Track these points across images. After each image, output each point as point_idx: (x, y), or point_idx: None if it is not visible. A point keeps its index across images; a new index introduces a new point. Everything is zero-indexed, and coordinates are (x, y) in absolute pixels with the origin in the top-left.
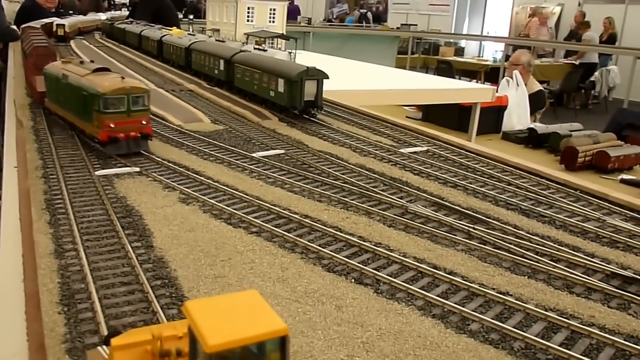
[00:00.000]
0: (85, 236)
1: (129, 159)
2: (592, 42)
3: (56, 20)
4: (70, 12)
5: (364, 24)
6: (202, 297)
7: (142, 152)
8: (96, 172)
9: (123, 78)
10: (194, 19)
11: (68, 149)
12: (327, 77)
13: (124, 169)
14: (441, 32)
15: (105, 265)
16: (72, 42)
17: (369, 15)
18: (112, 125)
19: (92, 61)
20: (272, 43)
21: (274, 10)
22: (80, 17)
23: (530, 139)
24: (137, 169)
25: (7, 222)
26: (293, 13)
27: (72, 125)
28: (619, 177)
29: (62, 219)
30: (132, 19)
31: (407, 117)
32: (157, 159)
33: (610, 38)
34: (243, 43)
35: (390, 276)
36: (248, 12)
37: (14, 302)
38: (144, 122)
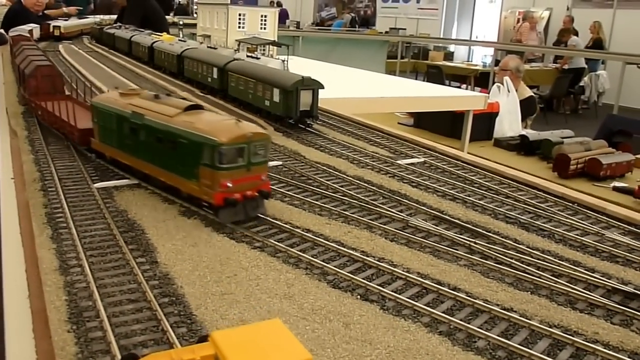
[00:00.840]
0: (89, 251)
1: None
2: (577, 47)
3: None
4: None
5: (356, 27)
6: (226, 328)
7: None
8: (95, 185)
9: (239, 121)
10: (185, 24)
11: (65, 160)
12: (323, 87)
13: (122, 181)
14: (430, 36)
15: (111, 282)
16: (60, 47)
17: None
18: (229, 185)
19: (168, 94)
20: (263, 50)
21: (265, 16)
22: (78, 21)
23: (522, 146)
24: (136, 181)
25: (7, 236)
26: (282, 17)
27: (147, 176)
28: (612, 184)
29: (64, 233)
30: (120, 24)
31: (399, 123)
32: None
33: (595, 43)
34: (235, 50)
35: (396, 292)
36: (239, 19)
37: (20, 318)
38: (263, 178)
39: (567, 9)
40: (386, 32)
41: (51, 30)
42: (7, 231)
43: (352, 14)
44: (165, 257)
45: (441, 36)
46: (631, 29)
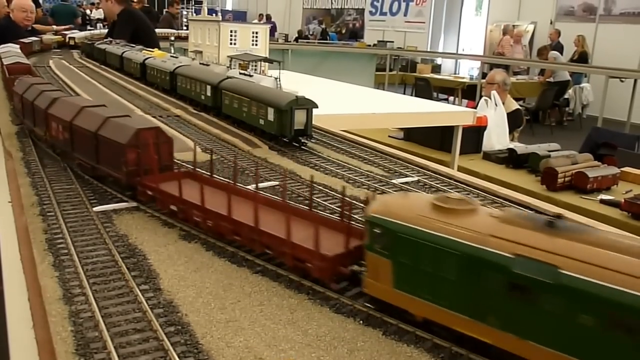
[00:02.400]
0: (91, 279)
1: (124, 194)
2: (557, 60)
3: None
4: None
5: (327, 39)
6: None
7: None
8: (94, 208)
9: None
10: (176, 38)
11: (62, 183)
12: (317, 107)
13: (121, 204)
14: (418, 49)
15: (116, 311)
16: (50, 62)
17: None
18: None
19: (558, 216)
20: (255, 66)
21: (257, 33)
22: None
23: (510, 159)
24: (135, 204)
25: (8, 263)
26: (270, 30)
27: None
28: (599, 197)
29: (65, 260)
30: (111, 39)
31: (389, 136)
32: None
33: (581, 56)
34: (228, 67)
35: (397, 317)
36: (231, 35)
37: (26, 350)
38: None
39: (551, 22)
40: (374, 45)
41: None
42: (8, 258)
43: (322, 26)
44: (168, 283)
45: (428, 49)
46: (612, 43)
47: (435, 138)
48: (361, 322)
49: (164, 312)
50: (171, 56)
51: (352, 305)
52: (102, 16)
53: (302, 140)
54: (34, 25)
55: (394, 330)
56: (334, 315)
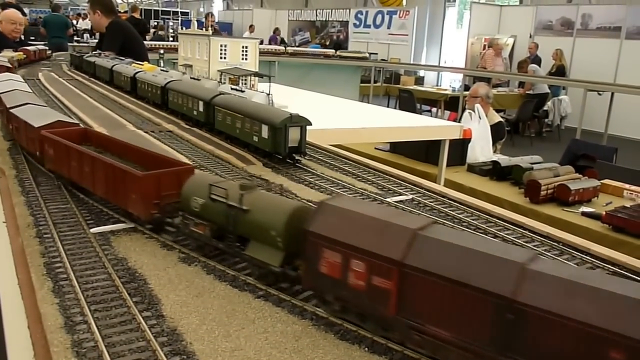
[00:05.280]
0: (92, 305)
1: (122, 215)
2: (536, 72)
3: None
4: (32, 38)
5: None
6: None
7: None
8: (91, 230)
9: None
10: (165, 50)
11: (58, 203)
12: (310, 124)
13: (118, 225)
14: (401, 61)
15: (119, 340)
16: (40, 75)
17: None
18: None
19: None
20: (245, 80)
21: (247, 47)
22: None
23: (494, 171)
24: (132, 225)
25: (5, 288)
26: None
27: None
28: (580, 209)
29: (65, 285)
30: (100, 51)
31: (375, 148)
32: None
33: (559, 69)
34: (219, 82)
35: (401, 344)
36: (221, 50)
37: None
38: None
39: (530, 36)
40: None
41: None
42: (5, 283)
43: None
44: (171, 309)
45: (411, 61)
46: (589, 57)
47: (421, 150)
48: (366, 349)
49: (168, 341)
50: (161, 70)
51: (356, 331)
52: (89, 27)
53: (296, 157)
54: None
55: (399, 358)
56: (339, 342)
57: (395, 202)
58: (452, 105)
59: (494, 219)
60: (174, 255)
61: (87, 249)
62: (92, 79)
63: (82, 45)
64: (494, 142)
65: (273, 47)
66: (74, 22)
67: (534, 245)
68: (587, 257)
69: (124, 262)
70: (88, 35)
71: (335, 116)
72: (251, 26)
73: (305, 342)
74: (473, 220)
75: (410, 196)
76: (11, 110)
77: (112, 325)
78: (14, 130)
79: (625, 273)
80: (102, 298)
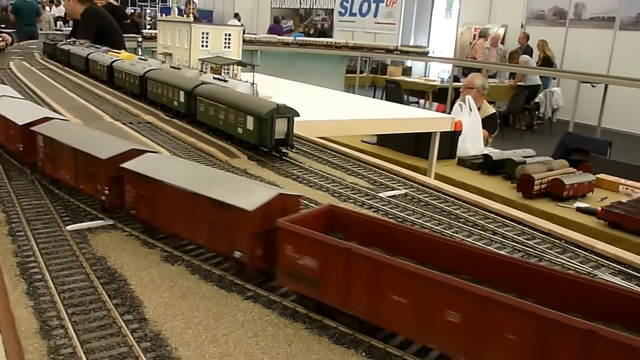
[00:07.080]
0: (70, 308)
1: (101, 212)
2: (527, 63)
3: None
4: (2, 26)
5: None
6: None
7: None
8: (67, 227)
9: None
10: (144, 38)
11: (31, 198)
12: (298, 115)
13: (96, 222)
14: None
15: (99, 346)
16: (11, 64)
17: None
18: None
19: None
20: (227, 69)
21: (229, 35)
22: None
23: (485, 165)
24: (111, 222)
25: None
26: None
27: None
28: (574, 204)
29: (40, 287)
30: (74, 39)
31: (362, 141)
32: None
33: (544, 60)
34: (200, 71)
35: (400, 348)
36: (203, 38)
37: None
38: None
39: (522, 26)
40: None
41: None
42: None
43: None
44: (154, 312)
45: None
46: (582, 47)
47: (409, 143)
48: (363, 354)
49: (151, 346)
50: (140, 58)
51: (352, 335)
52: (62, 14)
53: (283, 150)
54: None
55: None
56: (334, 346)
57: (388, 197)
58: (440, 96)
59: (492, 215)
60: (155, 254)
61: (63, 247)
62: (66, 68)
63: (56, 34)
64: (489, 135)
65: (280, 37)
66: (47, 8)
67: (536, 243)
68: (591, 255)
69: (102, 262)
70: (61, 22)
71: (322, 107)
72: (236, 14)
73: (298, 347)
74: (470, 216)
75: (404, 191)
76: None
77: (91, 330)
78: None
79: (631, 272)
80: (80, 300)
